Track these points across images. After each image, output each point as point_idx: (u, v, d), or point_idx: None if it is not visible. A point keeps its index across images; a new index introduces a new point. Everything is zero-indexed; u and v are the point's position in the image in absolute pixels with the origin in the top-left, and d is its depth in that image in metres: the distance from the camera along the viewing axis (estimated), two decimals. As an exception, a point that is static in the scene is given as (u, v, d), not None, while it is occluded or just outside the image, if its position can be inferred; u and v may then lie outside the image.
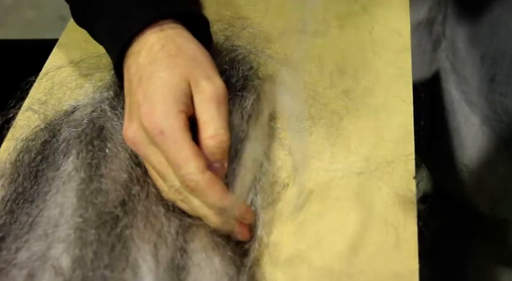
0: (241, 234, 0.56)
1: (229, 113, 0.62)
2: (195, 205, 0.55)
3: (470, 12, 0.89)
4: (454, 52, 0.92)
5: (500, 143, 0.90)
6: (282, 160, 0.64)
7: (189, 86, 0.57)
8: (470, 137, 0.92)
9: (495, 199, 0.97)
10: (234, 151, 0.61)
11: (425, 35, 0.98)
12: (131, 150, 0.60)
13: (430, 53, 0.98)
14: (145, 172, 0.60)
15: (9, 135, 0.68)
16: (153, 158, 0.56)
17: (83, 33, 0.73)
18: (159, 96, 0.56)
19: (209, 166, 0.55)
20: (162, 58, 0.58)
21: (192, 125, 0.57)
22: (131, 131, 0.57)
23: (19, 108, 0.70)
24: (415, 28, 0.95)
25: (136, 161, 0.60)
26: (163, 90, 0.56)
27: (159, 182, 0.58)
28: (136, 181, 0.58)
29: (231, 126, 0.62)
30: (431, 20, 0.97)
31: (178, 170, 0.54)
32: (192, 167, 0.53)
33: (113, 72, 0.67)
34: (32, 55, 0.79)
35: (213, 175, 0.55)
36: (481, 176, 0.94)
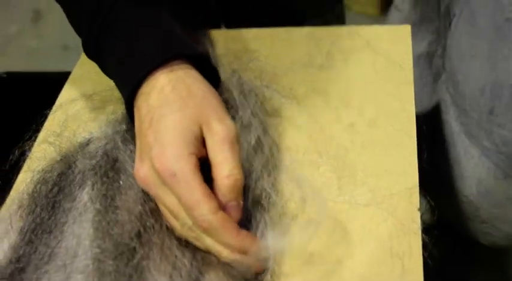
0: (255, 267, 0.58)
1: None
2: (208, 243, 0.57)
3: (469, 46, 0.91)
4: (453, 84, 0.94)
5: (498, 174, 0.92)
6: (290, 191, 0.66)
7: (200, 128, 0.59)
8: (470, 168, 0.94)
9: (494, 228, 0.99)
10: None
11: (426, 67, 1.01)
12: None
13: (430, 85, 1.00)
14: (159, 204, 0.62)
15: (25, 167, 0.70)
16: (166, 199, 0.58)
17: (95, 66, 0.75)
18: (170, 139, 0.57)
19: (226, 205, 0.57)
20: (174, 101, 0.60)
21: (202, 166, 0.59)
22: (143, 171, 0.58)
23: (34, 140, 0.72)
24: (416, 61, 0.97)
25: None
26: (174, 133, 0.58)
27: (172, 220, 0.59)
28: (150, 213, 0.60)
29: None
30: (431, 53, 1.00)
31: (191, 211, 0.56)
32: (204, 208, 0.55)
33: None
34: (44, 88, 0.82)
35: (225, 214, 0.56)
36: (480, 206, 0.96)
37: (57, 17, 2.35)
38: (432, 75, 1.00)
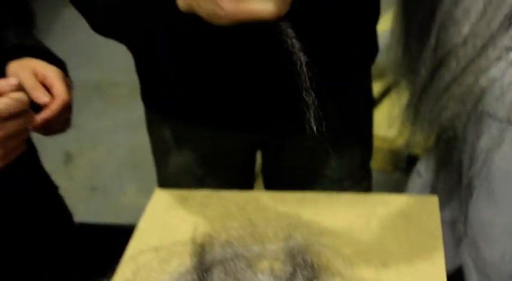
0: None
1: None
2: None
3: (489, 216, 1.01)
4: (475, 250, 1.04)
5: None
6: None
7: None
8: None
9: None
10: None
11: (449, 232, 1.10)
12: None
13: (453, 249, 1.10)
14: None
15: (103, 311, 0.78)
16: None
17: (160, 220, 0.85)
18: None
19: None
20: None
21: None
22: None
23: (109, 286, 0.80)
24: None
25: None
26: None
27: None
28: None
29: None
30: (454, 219, 1.10)
31: None
32: None
33: (193, 259, 0.79)
34: (110, 239, 0.91)
35: None
36: None
37: (87, 160, 2.44)
38: (455, 240, 1.10)
